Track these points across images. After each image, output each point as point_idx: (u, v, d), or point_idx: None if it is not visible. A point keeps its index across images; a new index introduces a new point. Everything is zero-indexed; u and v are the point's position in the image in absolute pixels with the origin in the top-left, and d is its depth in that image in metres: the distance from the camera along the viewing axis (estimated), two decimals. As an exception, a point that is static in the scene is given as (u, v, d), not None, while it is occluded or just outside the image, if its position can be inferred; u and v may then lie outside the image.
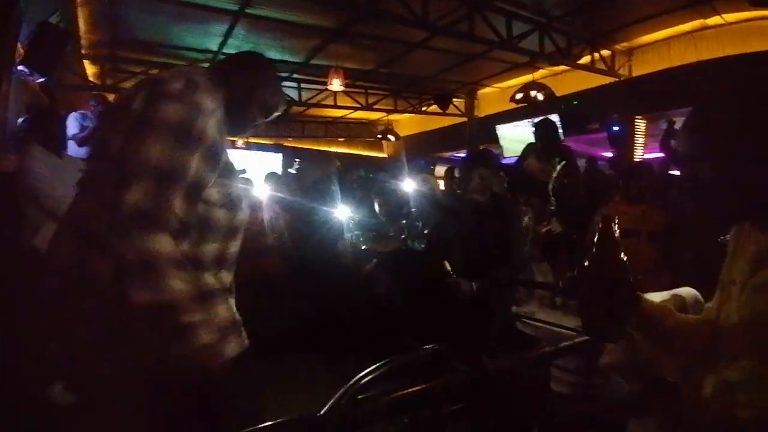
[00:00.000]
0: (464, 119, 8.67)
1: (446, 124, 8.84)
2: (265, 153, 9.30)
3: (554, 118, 6.12)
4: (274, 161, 8.90)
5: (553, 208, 2.61)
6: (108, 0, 4.29)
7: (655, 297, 1.14)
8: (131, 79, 6.23)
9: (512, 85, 7.36)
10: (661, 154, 7.32)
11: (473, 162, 2.46)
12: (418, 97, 8.46)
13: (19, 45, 2.60)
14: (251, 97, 1.04)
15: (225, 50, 5.71)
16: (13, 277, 1.60)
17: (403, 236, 2.52)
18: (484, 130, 7.46)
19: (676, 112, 5.75)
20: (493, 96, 8.12)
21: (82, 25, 4.76)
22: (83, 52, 5.53)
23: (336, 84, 5.56)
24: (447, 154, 9.02)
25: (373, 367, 0.67)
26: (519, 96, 5.85)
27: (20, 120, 2.32)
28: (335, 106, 8.10)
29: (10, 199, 2.00)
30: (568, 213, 2.51)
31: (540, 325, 1.94)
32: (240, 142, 9.09)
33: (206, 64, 6.40)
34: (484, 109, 8.55)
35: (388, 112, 8.77)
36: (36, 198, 2.07)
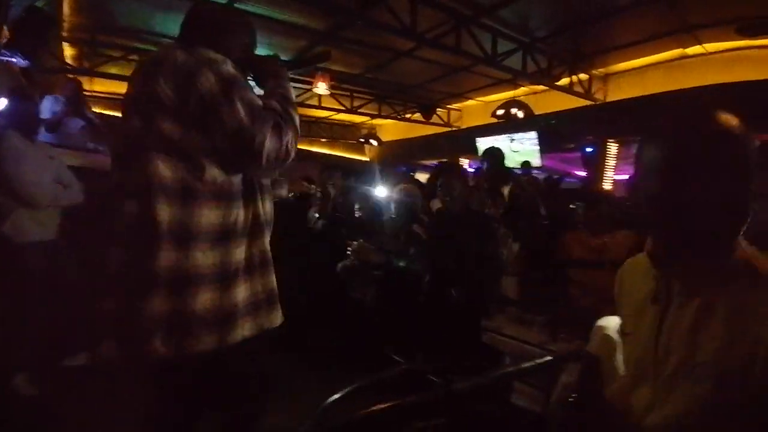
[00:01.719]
0: (446, 129, 8.83)
1: (429, 133, 8.97)
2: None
3: (532, 134, 6.37)
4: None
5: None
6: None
7: (611, 321, 1.21)
8: (109, 64, 6.10)
9: (495, 99, 7.55)
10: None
11: (452, 173, 2.55)
12: (402, 104, 8.54)
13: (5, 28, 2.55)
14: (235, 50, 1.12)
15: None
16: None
17: (388, 252, 2.57)
18: (465, 141, 7.61)
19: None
20: (476, 108, 8.30)
21: (66, 8, 4.69)
22: (64, 34, 5.38)
23: (321, 87, 5.54)
24: (428, 162, 9.14)
25: (340, 393, 0.69)
26: (500, 112, 6.01)
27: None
28: (319, 107, 8.07)
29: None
30: (524, 234, 2.61)
31: (507, 339, 2.00)
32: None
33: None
34: (466, 121, 8.73)
35: (372, 116, 8.81)
36: (7, 185, 2.04)
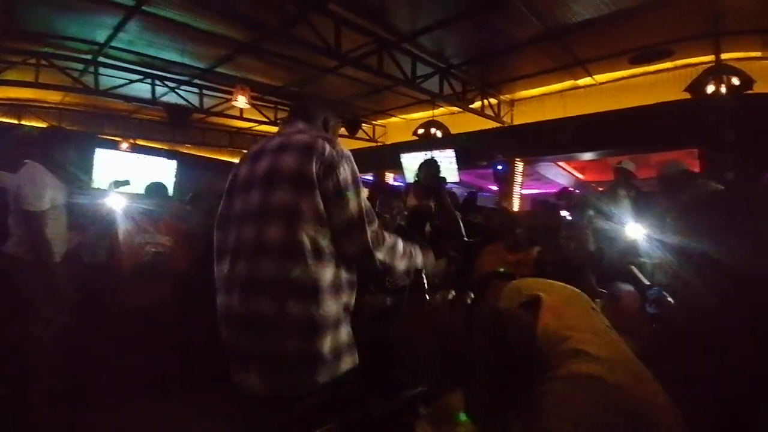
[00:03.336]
0: (372, 144, 9.05)
1: (355, 147, 9.11)
2: (155, 159, 8.28)
3: (450, 152, 6.81)
4: (166, 169, 8.05)
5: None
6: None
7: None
8: (9, 70, 5.62)
9: (416, 117, 7.95)
10: (540, 190, 8.58)
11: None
12: (328, 118, 8.56)
13: None
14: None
15: (114, 44, 5.14)
16: None
17: None
18: (390, 157, 7.87)
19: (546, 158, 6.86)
20: (400, 125, 8.66)
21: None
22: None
23: (241, 101, 5.36)
24: (354, 176, 9.25)
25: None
26: (420, 131, 6.35)
27: None
28: (241, 118, 7.77)
29: None
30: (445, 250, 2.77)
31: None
32: (125, 145, 8.06)
33: (89, 56, 5.60)
34: (391, 136, 9.05)
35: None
36: None
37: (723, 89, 4.26)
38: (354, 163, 1.24)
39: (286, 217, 1.13)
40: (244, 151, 9.41)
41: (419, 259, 1.37)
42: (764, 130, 4.22)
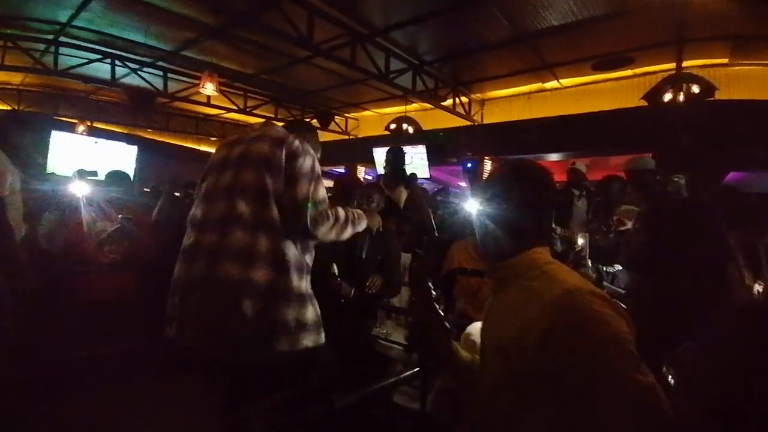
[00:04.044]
0: (344, 137, 9.01)
1: (327, 139, 9.03)
2: (115, 143, 7.84)
3: (421, 148, 6.89)
4: (126, 155, 7.67)
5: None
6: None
7: (476, 326, 1.44)
8: None
9: (389, 112, 7.98)
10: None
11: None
12: (300, 109, 8.44)
13: None
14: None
15: (75, 23, 4.86)
16: None
17: None
18: (363, 150, 7.87)
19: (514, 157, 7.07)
20: (373, 119, 8.66)
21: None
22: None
23: (209, 88, 5.18)
24: (326, 168, 9.18)
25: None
26: (393, 126, 6.38)
27: None
28: (208, 104, 7.51)
29: None
30: (416, 241, 2.85)
31: (394, 345, 2.17)
32: (81, 128, 7.61)
33: (50, 36, 5.38)
34: (363, 130, 9.03)
35: (268, 118, 8.51)
36: None
37: (681, 97, 4.26)
38: (316, 160, 1.40)
39: (255, 193, 1.27)
40: (212, 138, 9.14)
41: (363, 223, 1.56)
42: (721, 136, 4.48)
